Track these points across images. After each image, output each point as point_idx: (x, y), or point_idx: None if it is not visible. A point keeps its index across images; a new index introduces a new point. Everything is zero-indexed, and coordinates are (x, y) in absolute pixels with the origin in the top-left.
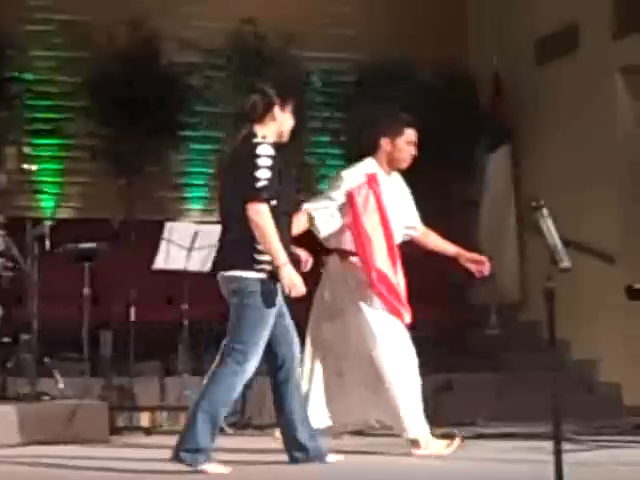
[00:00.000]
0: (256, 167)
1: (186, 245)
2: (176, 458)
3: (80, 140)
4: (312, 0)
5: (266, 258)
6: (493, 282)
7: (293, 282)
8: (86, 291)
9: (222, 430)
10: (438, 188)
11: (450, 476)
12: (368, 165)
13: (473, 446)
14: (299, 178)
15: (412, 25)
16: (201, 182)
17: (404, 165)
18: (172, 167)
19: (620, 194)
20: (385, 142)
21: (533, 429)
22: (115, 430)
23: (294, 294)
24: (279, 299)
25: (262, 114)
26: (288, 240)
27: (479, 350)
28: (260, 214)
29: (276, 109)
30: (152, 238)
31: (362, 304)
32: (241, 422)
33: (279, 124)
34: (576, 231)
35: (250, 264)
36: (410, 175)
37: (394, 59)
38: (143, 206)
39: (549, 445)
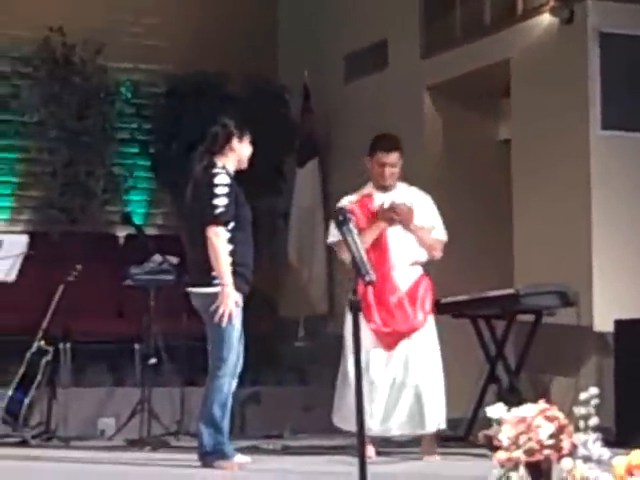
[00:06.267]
0: (214, 195)
1: None
2: None
3: None
4: (123, 11)
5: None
6: (303, 294)
7: (225, 302)
8: None
9: (25, 442)
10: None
11: None
12: None
13: (280, 459)
14: (105, 189)
15: (223, 38)
16: (7, 192)
17: None
18: None
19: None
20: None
21: (340, 442)
22: None
23: (221, 311)
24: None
25: (222, 145)
26: (251, 257)
27: (287, 362)
28: (217, 236)
29: (235, 140)
30: None
31: None
32: (46, 434)
33: (237, 154)
34: None
35: (209, 282)
36: None
37: (204, 71)
38: None
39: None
